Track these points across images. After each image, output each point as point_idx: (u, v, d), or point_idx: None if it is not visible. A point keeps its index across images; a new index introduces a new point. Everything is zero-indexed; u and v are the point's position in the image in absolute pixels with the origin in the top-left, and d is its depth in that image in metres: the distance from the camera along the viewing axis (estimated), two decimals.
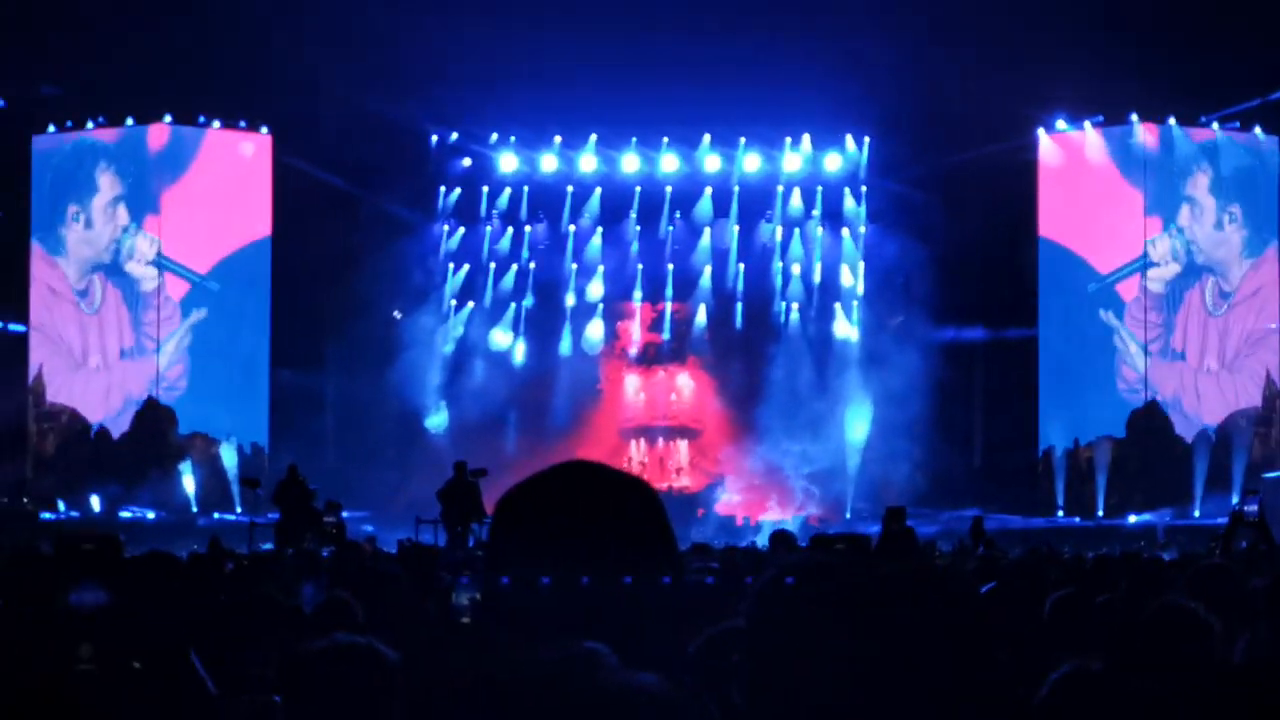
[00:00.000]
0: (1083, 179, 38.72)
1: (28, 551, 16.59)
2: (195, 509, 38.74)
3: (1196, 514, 36.90)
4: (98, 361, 39.82)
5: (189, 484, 39.13)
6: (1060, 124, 38.90)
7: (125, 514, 37.65)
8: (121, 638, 3.79)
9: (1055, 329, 38.84)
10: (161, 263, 39.41)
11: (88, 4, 36.16)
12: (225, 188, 39.72)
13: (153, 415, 39.36)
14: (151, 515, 37.64)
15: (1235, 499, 34.76)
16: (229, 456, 39.47)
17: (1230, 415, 37.96)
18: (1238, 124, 38.08)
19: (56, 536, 3.96)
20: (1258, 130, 38.21)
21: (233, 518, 37.34)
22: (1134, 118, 38.22)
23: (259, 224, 39.99)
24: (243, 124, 40.04)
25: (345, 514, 30.76)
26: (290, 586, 9.61)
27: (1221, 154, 38.18)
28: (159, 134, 39.67)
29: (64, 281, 39.94)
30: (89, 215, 39.79)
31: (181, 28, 36.18)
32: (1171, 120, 38.07)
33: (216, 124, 39.92)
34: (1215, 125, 38.13)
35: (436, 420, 41.09)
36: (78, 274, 39.86)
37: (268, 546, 27.33)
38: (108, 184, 39.69)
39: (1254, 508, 13.90)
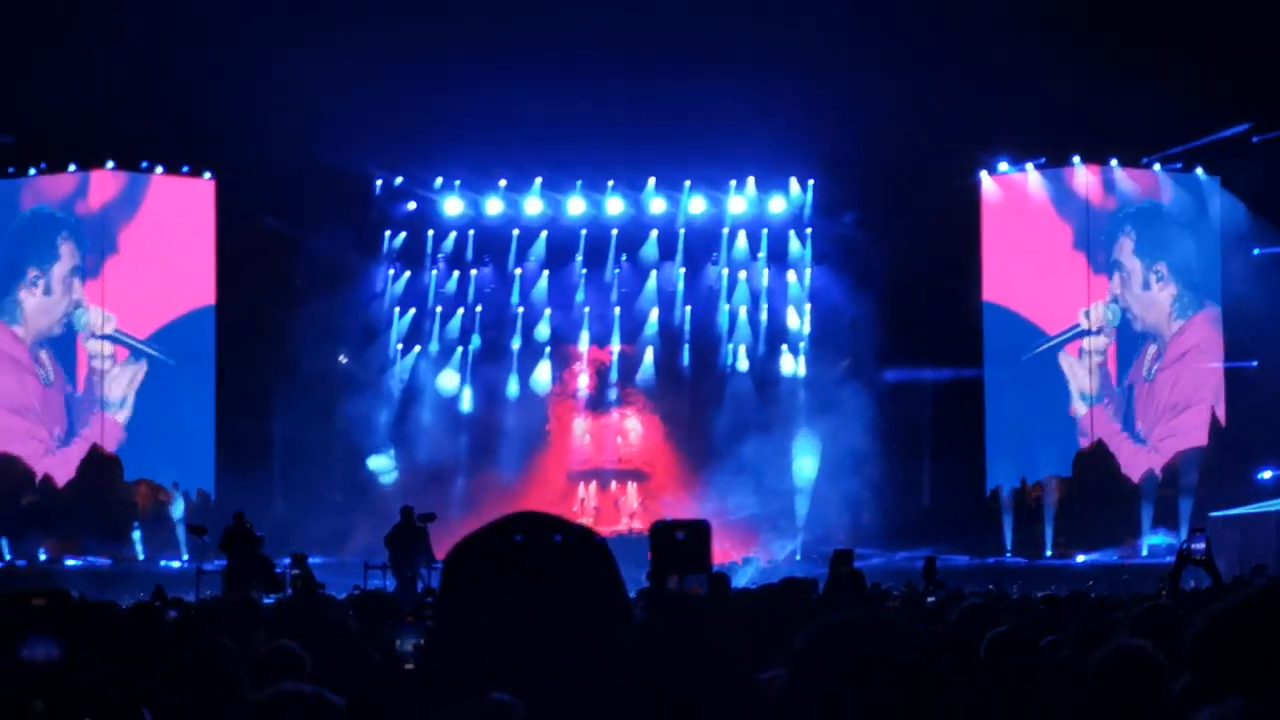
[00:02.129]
0: (1025, 221, 38.92)
1: None
2: (142, 557, 38.49)
3: (1144, 553, 37.03)
4: (43, 408, 39.53)
5: (135, 532, 38.88)
6: (1003, 166, 39.11)
7: (72, 562, 37.40)
8: (74, 692, 3.74)
9: (1002, 369, 38.97)
10: (116, 337, 39.23)
11: (29, 49, 36.02)
12: (169, 235, 39.55)
13: (98, 463, 39.10)
14: (97, 563, 37.37)
15: (1182, 537, 34.93)
16: (176, 504, 39.25)
17: (1176, 454, 38.13)
18: (1180, 165, 38.33)
19: (5, 592, 3.90)
20: (1199, 171, 38.47)
21: (179, 565, 37.13)
22: (1076, 159, 38.45)
23: (203, 270, 39.80)
24: (185, 169, 39.90)
25: (288, 561, 30.55)
26: (239, 635, 9.52)
27: (1145, 214, 38.42)
28: (103, 181, 39.48)
29: (19, 346, 39.58)
30: (49, 283, 39.52)
31: (124, 73, 36.03)
32: (1114, 162, 38.31)
33: (159, 170, 39.77)
34: (1157, 166, 38.38)
35: (384, 465, 40.94)
36: (33, 342, 39.54)
37: (214, 593, 27.15)
38: (68, 252, 39.44)
39: (1201, 545, 13.95)
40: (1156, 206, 38.61)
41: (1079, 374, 38.41)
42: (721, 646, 3.27)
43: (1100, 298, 38.46)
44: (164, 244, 39.48)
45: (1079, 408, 38.44)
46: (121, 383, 39.49)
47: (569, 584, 2.90)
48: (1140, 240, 38.45)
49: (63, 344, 39.57)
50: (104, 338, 39.37)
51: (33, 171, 39.67)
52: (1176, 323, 38.48)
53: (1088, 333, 38.38)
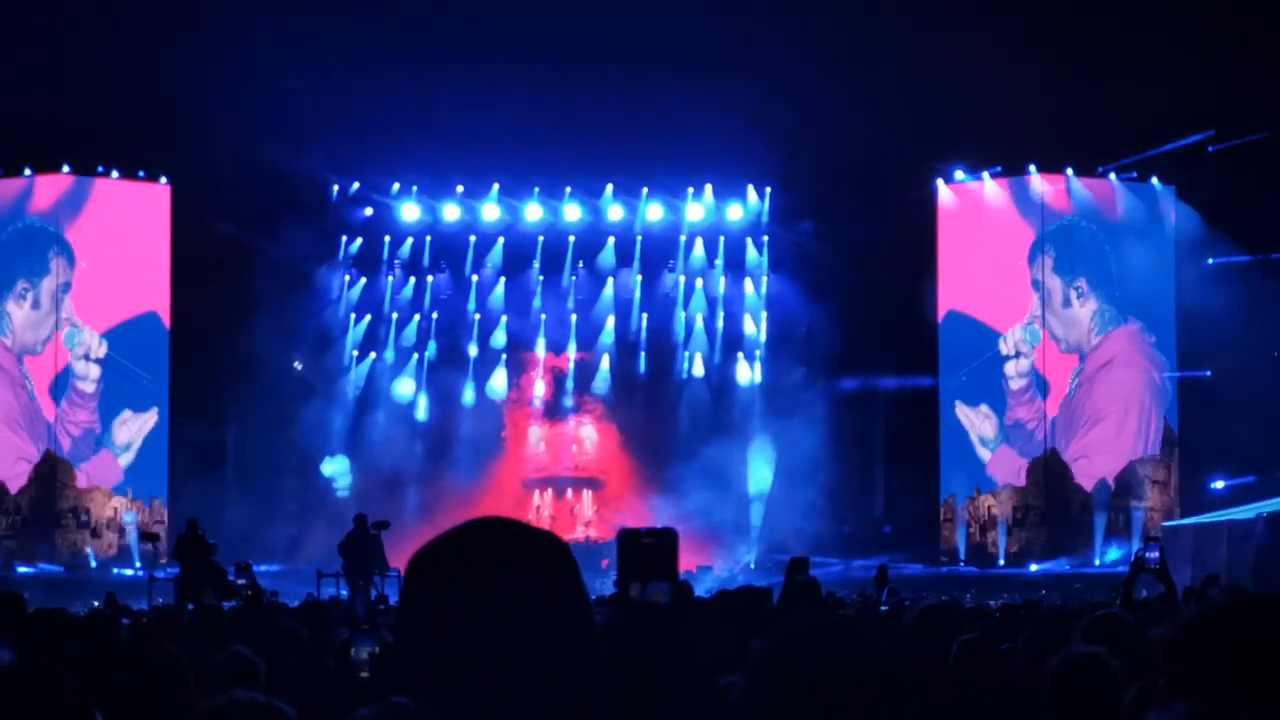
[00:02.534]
0: (981, 230, 39.01)
1: None
2: (94, 564, 38.28)
3: (1097, 562, 37.14)
4: (29, 423, 39.18)
5: (87, 539, 38.67)
6: (959, 174, 39.19)
7: (25, 569, 37.18)
8: (23, 697, 3.70)
9: (955, 377, 39.06)
10: (90, 358, 39.07)
11: None
12: (123, 239, 39.34)
13: (50, 470, 38.87)
14: (49, 570, 37.17)
15: (1135, 547, 35.04)
16: (128, 511, 39.04)
17: (1129, 464, 38.25)
18: (1135, 174, 38.46)
19: None
20: (1154, 180, 38.61)
21: (131, 573, 36.93)
22: (1032, 168, 38.56)
23: (157, 275, 39.59)
24: (141, 174, 39.71)
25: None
26: (192, 643, 9.46)
27: (1064, 230, 38.55)
28: (57, 186, 39.23)
29: (9, 357, 39.27)
30: (38, 295, 39.24)
31: (79, 75, 35.87)
32: (1069, 171, 38.42)
33: (115, 174, 39.57)
34: (1112, 175, 38.51)
35: (338, 472, 40.81)
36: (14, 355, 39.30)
37: (166, 601, 27.03)
38: (61, 267, 39.19)
39: (1155, 554, 14.00)
40: (1076, 225, 38.66)
41: (1012, 390, 38.60)
42: (682, 655, 3.24)
43: (1023, 317, 38.59)
44: (117, 249, 39.26)
45: (1032, 414, 38.53)
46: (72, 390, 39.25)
47: (534, 595, 2.87)
48: (1060, 257, 38.54)
49: (45, 359, 39.26)
50: (95, 361, 39.13)
51: None
52: (1097, 338, 38.58)
53: (1008, 357, 38.54)
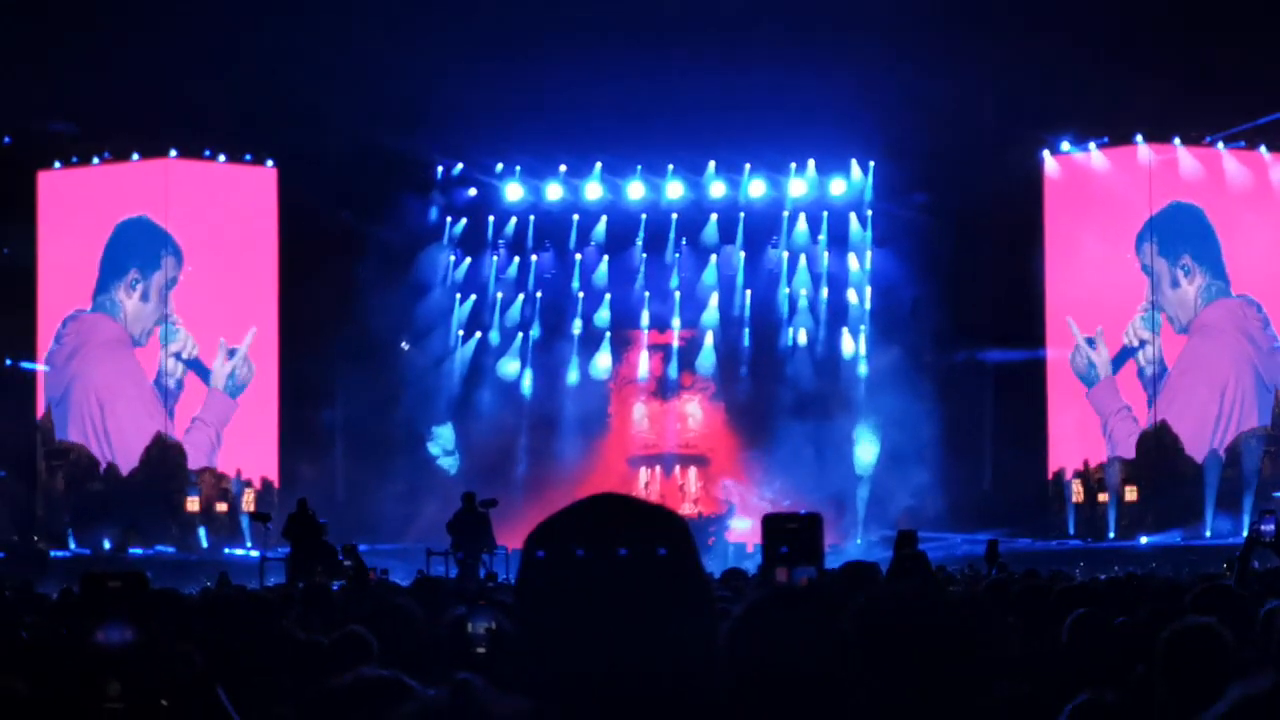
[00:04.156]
0: (1088, 201, 38.71)
1: (33, 593, 16.60)
2: (205, 545, 38.71)
3: (1208, 534, 36.82)
4: (153, 391, 39.74)
5: (199, 520, 39.12)
6: (1065, 145, 38.89)
7: (136, 551, 37.63)
8: (149, 675, 3.78)
9: (1065, 350, 38.79)
10: (193, 364, 39.56)
11: (89, 37, 36.20)
12: (233, 224, 39.75)
13: (161, 452, 39.33)
14: (162, 552, 37.63)
15: (1246, 519, 34.70)
16: (240, 492, 39.45)
17: (1239, 435, 37.89)
18: (1243, 143, 38.04)
19: (82, 574, 3.96)
20: (1263, 149, 38.18)
21: (242, 553, 37.31)
22: (1139, 138, 38.21)
23: (267, 258, 39.96)
24: (248, 157, 40.06)
25: (362, 547, 30.64)
26: (305, 621, 9.58)
27: (1169, 215, 38.18)
28: (169, 172, 39.65)
29: (125, 336, 39.87)
30: (147, 289, 39.82)
31: (185, 60, 36.20)
32: (1176, 140, 38.05)
33: (222, 158, 39.93)
34: (1220, 144, 38.11)
35: (447, 463, 41.02)
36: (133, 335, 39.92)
37: (278, 581, 27.30)
38: (170, 265, 39.73)
39: (1270, 527, 13.84)
40: (1175, 206, 38.27)
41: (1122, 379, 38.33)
42: (825, 639, 3.24)
43: (1140, 300, 38.22)
44: (228, 233, 39.68)
45: (1143, 387, 38.24)
46: (220, 375, 39.87)
47: (655, 571, 2.88)
48: (1163, 240, 38.17)
49: (150, 350, 39.84)
50: (187, 362, 39.63)
51: (95, 160, 39.86)
52: (1203, 309, 38.25)
53: (1133, 350, 38.20)
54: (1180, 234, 38.16)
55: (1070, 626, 7.49)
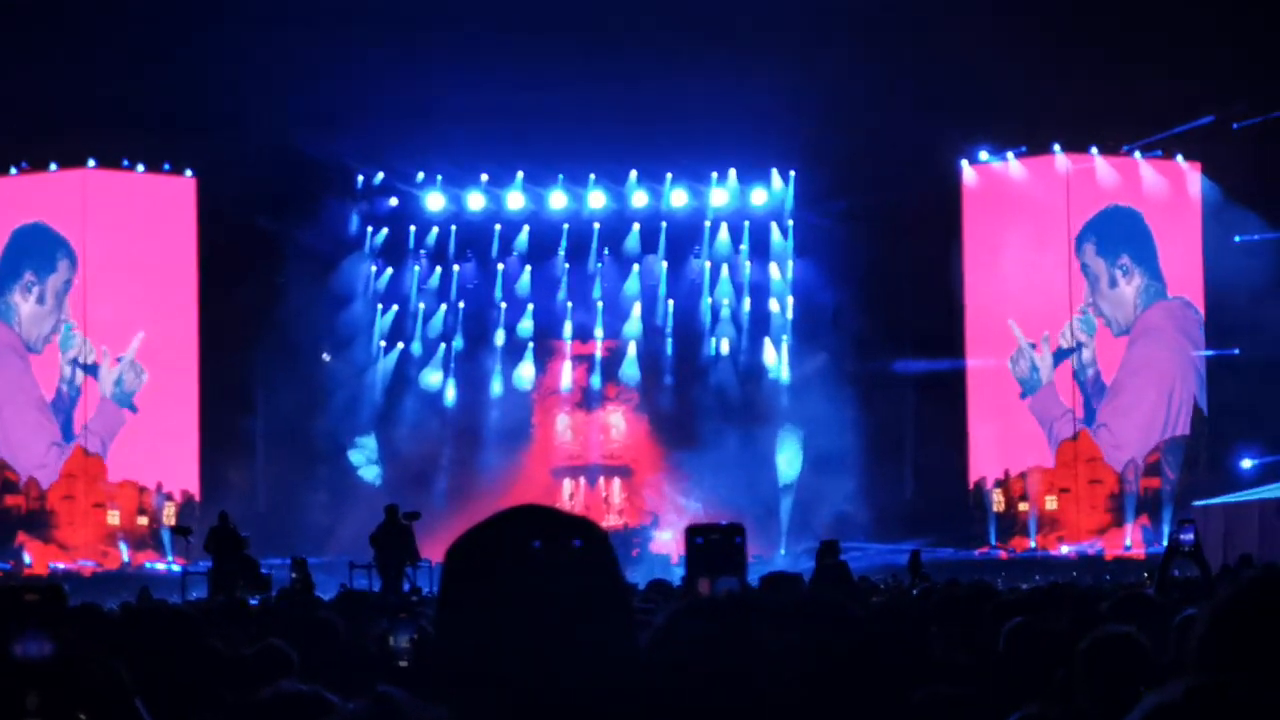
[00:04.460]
0: (1006, 210, 38.95)
1: None
2: (126, 559, 38.43)
3: (1127, 543, 37.09)
4: (43, 404, 39.41)
5: (119, 533, 38.82)
6: (983, 155, 39.12)
7: (57, 565, 37.32)
8: (67, 688, 3.75)
9: (984, 358, 38.98)
10: (94, 367, 39.20)
11: (7, 44, 35.96)
12: (151, 233, 39.47)
13: (81, 464, 39.03)
14: (82, 565, 37.34)
15: (1166, 528, 34.97)
16: (159, 505, 39.18)
17: (1157, 443, 38.17)
18: (1160, 152, 38.36)
19: None
20: (1180, 158, 38.51)
21: (163, 567, 37.07)
22: (1056, 148, 38.47)
23: (185, 268, 39.69)
24: (167, 166, 39.80)
25: (274, 561, 30.44)
26: (226, 635, 9.51)
27: (1106, 217, 38.45)
28: (85, 182, 39.36)
29: (19, 343, 39.54)
30: (43, 291, 39.49)
31: (102, 67, 35.94)
32: (1094, 150, 38.33)
33: (141, 167, 39.66)
34: (1137, 154, 38.41)
35: (369, 474, 40.87)
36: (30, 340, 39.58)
37: (200, 595, 27.12)
38: (64, 268, 39.41)
39: (1189, 536, 13.94)
40: (1114, 208, 38.57)
41: (1059, 382, 38.50)
42: (749, 647, 3.24)
43: (1078, 303, 38.45)
44: (146, 242, 39.39)
45: (1063, 395, 38.47)
46: (107, 383, 39.39)
47: (581, 591, 2.88)
48: (1101, 241, 38.47)
49: (48, 356, 39.51)
50: (84, 367, 39.29)
51: (13, 170, 39.53)
52: (1142, 309, 38.55)
53: (1069, 351, 38.42)
54: (1118, 236, 38.44)
55: (1007, 635, 7.53)
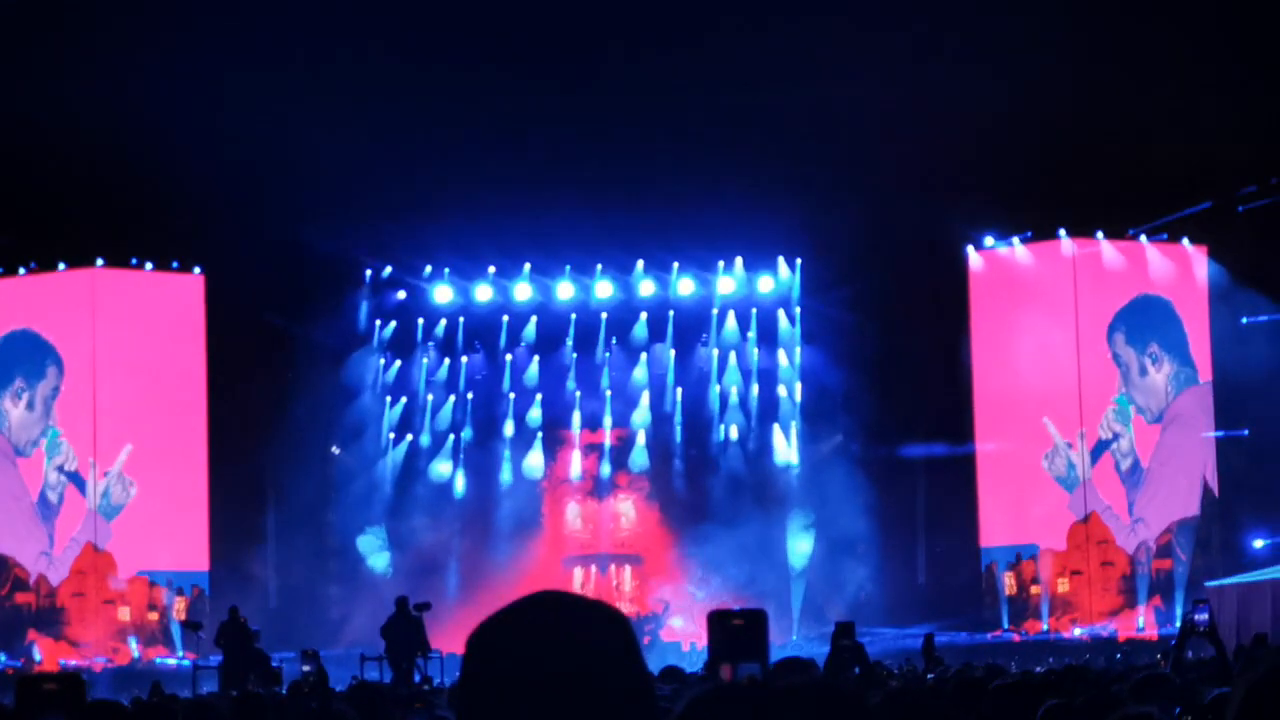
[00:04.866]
0: (1013, 295, 38.97)
1: None
2: (136, 655, 38.33)
3: (1140, 624, 36.95)
4: (33, 509, 39.45)
5: (129, 629, 38.73)
6: (989, 240, 39.17)
7: (68, 661, 37.20)
8: None
9: (994, 442, 38.92)
10: (73, 476, 39.27)
11: (14, 143, 36.15)
12: (159, 331, 39.55)
13: (91, 561, 38.98)
14: (93, 662, 37.23)
15: (1179, 609, 34.86)
16: (169, 600, 39.10)
17: (1171, 525, 38.08)
18: (1165, 236, 38.44)
19: (18, 679, 3.93)
20: (1185, 241, 38.59)
21: (174, 662, 36.96)
22: (1062, 232, 38.54)
23: (194, 366, 39.73)
24: (175, 265, 39.93)
25: (284, 654, 30.33)
26: None
27: (1133, 307, 38.46)
28: (91, 282, 39.47)
29: (8, 446, 39.65)
30: (32, 397, 39.62)
31: (109, 167, 36.14)
32: (1100, 234, 38.41)
33: (149, 266, 39.78)
34: (1143, 237, 38.49)
35: (378, 563, 40.78)
36: (19, 444, 39.68)
37: (211, 689, 27.05)
38: (52, 374, 39.54)
39: (1204, 616, 13.89)
40: (1144, 297, 38.59)
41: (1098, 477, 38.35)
42: None
43: (1111, 392, 38.32)
44: (154, 339, 39.47)
45: (1074, 478, 38.39)
46: (93, 496, 39.33)
47: (604, 681, 2.87)
48: (1130, 330, 38.46)
49: (35, 461, 39.60)
50: (69, 475, 39.35)
51: (22, 270, 39.66)
52: (1173, 395, 38.51)
53: (1108, 443, 38.28)
54: (1147, 324, 38.40)
55: (993, 692, 7.55)
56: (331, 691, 19.91)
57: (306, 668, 26.94)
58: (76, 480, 39.31)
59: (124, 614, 38.94)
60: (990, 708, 8.01)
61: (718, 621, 3.95)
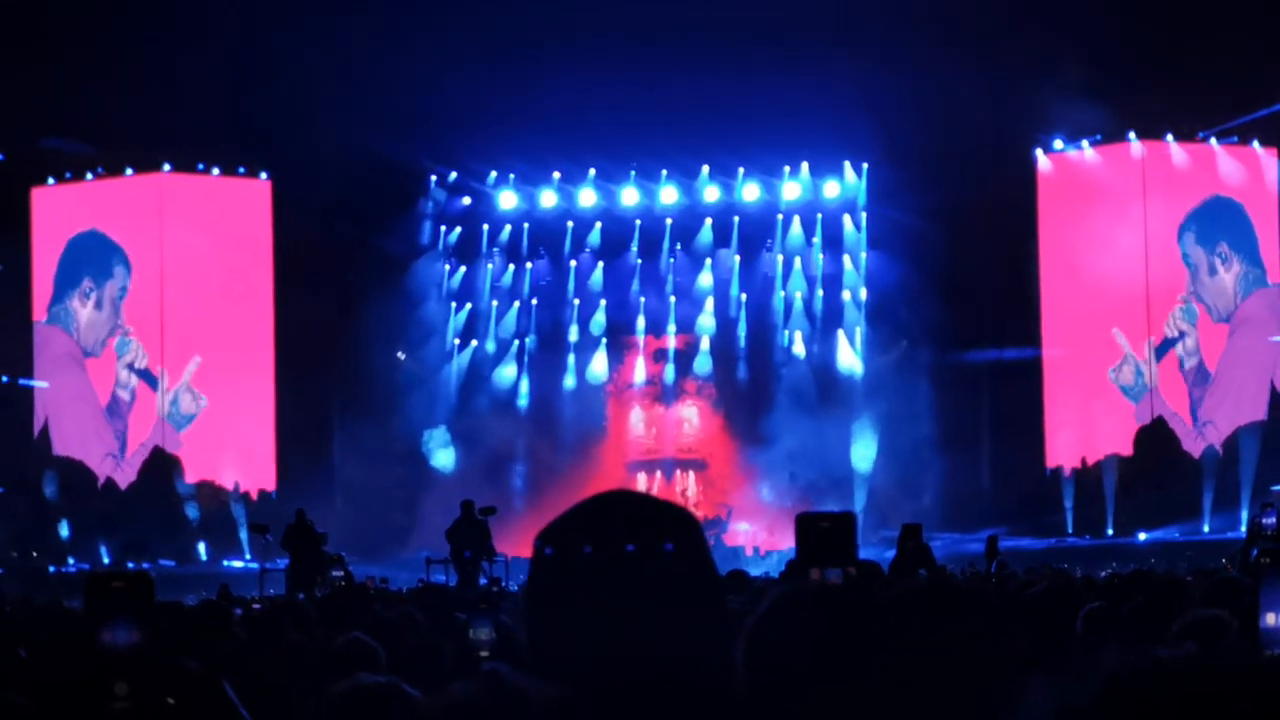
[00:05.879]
0: (1081, 199, 38.68)
1: (34, 605, 16.58)
2: (204, 557, 38.69)
3: (1206, 529, 36.81)
4: (103, 412, 39.79)
5: (197, 532, 39.09)
6: (1058, 143, 38.87)
7: (134, 565, 37.58)
8: (156, 675, 3.77)
9: (1060, 347, 38.76)
10: (148, 372, 39.52)
11: (83, 52, 36.17)
12: (227, 236, 39.74)
13: (159, 465, 39.30)
14: (161, 565, 37.59)
15: (1245, 513, 34.69)
16: (237, 504, 39.42)
17: (1236, 429, 37.86)
18: (1235, 138, 38.03)
19: (86, 579, 3.96)
20: (1256, 144, 38.18)
21: (241, 565, 37.29)
22: (1132, 135, 38.19)
23: (261, 270, 39.93)
24: (241, 170, 40.04)
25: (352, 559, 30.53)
26: (307, 630, 9.56)
27: (1203, 208, 38.07)
28: (158, 186, 39.64)
29: (77, 350, 40.00)
30: (100, 297, 39.91)
31: (176, 71, 36.15)
32: (1169, 137, 38.04)
33: (216, 171, 39.91)
34: (1213, 140, 38.11)
35: (443, 459, 40.99)
36: (88, 345, 40.03)
37: (278, 592, 27.27)
38: (120, 274, 39.79)
39: (1271, 520, 13.83)
40: (1216, 199, 38.22)
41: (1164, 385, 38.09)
42: (858, 637, 3.22)
43: (1178, 291, 38.04)
44: (221, 246, 39.67)
45: (1141, 383, 38.19)
46: (180, 385, 39.67)
47: (673, 589, 2.85)
48: (1201, 230, 38.11)
49: (105, 361, 39.91)
50: (140, 373, 39.63)
51: (89, 176, 39.85)
52: (1240, 301, 38.19)
53: (1173, 341, 38.03)
54: (1218, 225, 38.07)
55: (1084, 618, 7.50)
56: (390, 592, 20.01)
57: (337, 573, 27.09)
58: (148, 378, 39.62)
59: (191, 516, 39.28)
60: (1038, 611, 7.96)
61: (806, 524, 3.91)
